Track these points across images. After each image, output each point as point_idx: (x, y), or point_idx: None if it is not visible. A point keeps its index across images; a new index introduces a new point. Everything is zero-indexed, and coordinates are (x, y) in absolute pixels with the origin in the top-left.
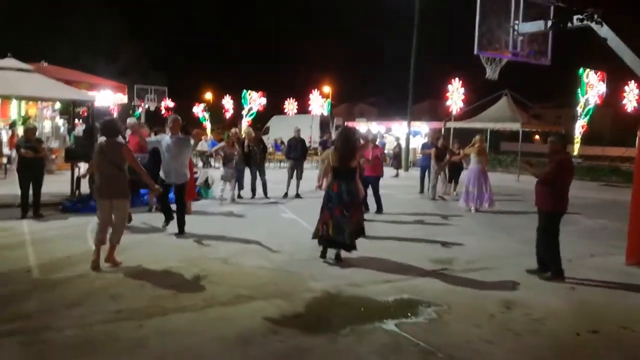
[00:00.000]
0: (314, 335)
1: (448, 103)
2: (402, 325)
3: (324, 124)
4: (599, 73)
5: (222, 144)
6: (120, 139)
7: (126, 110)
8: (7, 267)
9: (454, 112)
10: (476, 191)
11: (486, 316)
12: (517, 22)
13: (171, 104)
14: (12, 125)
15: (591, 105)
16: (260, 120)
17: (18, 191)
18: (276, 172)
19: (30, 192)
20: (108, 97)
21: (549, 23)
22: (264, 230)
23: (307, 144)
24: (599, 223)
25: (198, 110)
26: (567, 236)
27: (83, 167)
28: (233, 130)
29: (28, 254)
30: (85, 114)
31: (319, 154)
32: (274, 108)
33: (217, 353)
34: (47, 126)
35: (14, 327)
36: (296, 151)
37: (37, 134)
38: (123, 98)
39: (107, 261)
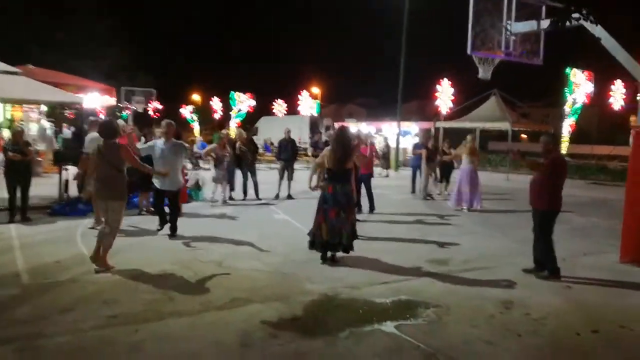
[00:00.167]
0: (313, 339)
1: (437, 103)
2: (401, 327)
3: (314, 124)
4: (586, 72)
5: (213, 145)
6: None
7: (113, 112)
8: None
9: (444, 112)
10: (468, 191)
11: (485, 317)
12: (509, 22)
13: (159, 106)
14: None
15: (579, 104)
16: (249, 122)
17: (5, 195)
18: (266, 174)
19: (18, 195)
20: (96, 99)
21: (542, 23)
22: (257, 232)
23: (297, 145)
24: (590, 221)
25: (186, 111)
26: (560, 235)
27: (72, 170)
28: (224, 131)
29: (16, 259)
30: (73, 116)
31: (310, 154)
32: (262, 109)
33: (215, 358)
34: (33, 129)
35: (6, 334)
36: (287, 152)
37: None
38: (111, 100)
39: (95, 263)
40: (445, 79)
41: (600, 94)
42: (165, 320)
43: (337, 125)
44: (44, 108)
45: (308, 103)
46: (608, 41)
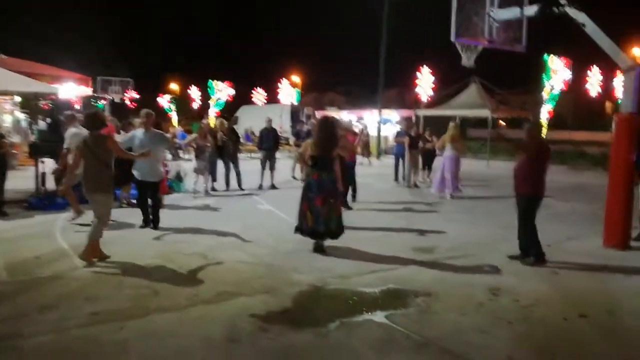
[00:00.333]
0: (304, 331)
1: (417, 90)
2: (392, 317)
3: (295, 113)
4: (563, 59)
5: (194, 135)
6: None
7: (89, 102)
8: None
9: (424, 100)
10: (451, 177)
11: (475, 305)
12: (493, 8)
13: (136, 96)
14: None
15: (556, 91)
16: (229, 111)
17: None
18: (248, 163)
19: None
20: (71, 90)
21: (525, 9)
22: (241, 222)
23: (279, 134)
24: (571, 206)
25: (163, 101)
26: (542, 220)
27: (48, 162)
28: (204, 121)
29: None
30: (47, 107)
31: (292, 143)
32: (242, 98)
33: (203, 354)
34: (7, 120)
35: None
36: (268, 141)
37: None
38: (87, 90)
39: (81, 258)
40: (426, 67)
41: (576, 81)
42: (150, 316)
43: (318, 114)
44: (17, 99)
45: (288, 91)
46: (592, 28)
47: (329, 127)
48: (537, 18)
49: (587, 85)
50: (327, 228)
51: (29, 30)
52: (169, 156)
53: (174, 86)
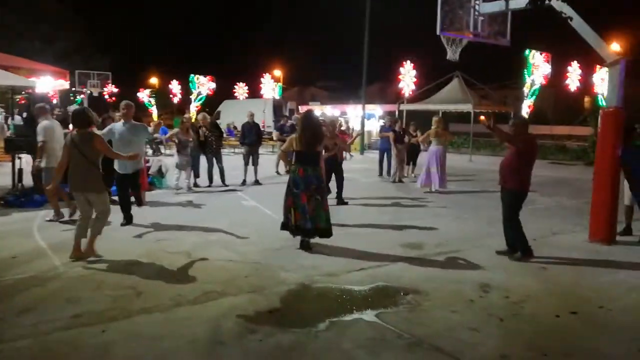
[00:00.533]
0: (294, 332)
1: (400, 85)
2: (382, 315)
3: (278, 108)
4: (544, 54)
5: (176, 130)
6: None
7: (66, 96)
8: None
9: (407, 95)
10: (437, 171)
11: (465, 301)
12: (477, 2)
13: (115, 90)
14: None
15: (537, 86)
16: (210, 105)
17: None
18: (231, 159)
19: None
20: (49, 83)
21: (510, 3)
22: (225, 219)
23: (262, 129)
24: (554, 200)
25: (143, 95)
26: (526, 215)
27: (25, 158)
28: (186, 115)
29: None
30: (23, 101)
31: (275, 138)
32: (223, 92)
33: (189, 357)
34: None
35: None
36: (251, 136)
37: None
38: (64, 84)
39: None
40: (408, 61)
41: (556, 76)
42: (134, 318)
43: (301, 108)
44: None
45: (270, 86)
46: (577, 22)
47: (313, 121)
48: (523, 11)
49: (567, 81)
50: (314, 226)
51: (3, 22)
52: (149, 152)
53: (154, 80)
